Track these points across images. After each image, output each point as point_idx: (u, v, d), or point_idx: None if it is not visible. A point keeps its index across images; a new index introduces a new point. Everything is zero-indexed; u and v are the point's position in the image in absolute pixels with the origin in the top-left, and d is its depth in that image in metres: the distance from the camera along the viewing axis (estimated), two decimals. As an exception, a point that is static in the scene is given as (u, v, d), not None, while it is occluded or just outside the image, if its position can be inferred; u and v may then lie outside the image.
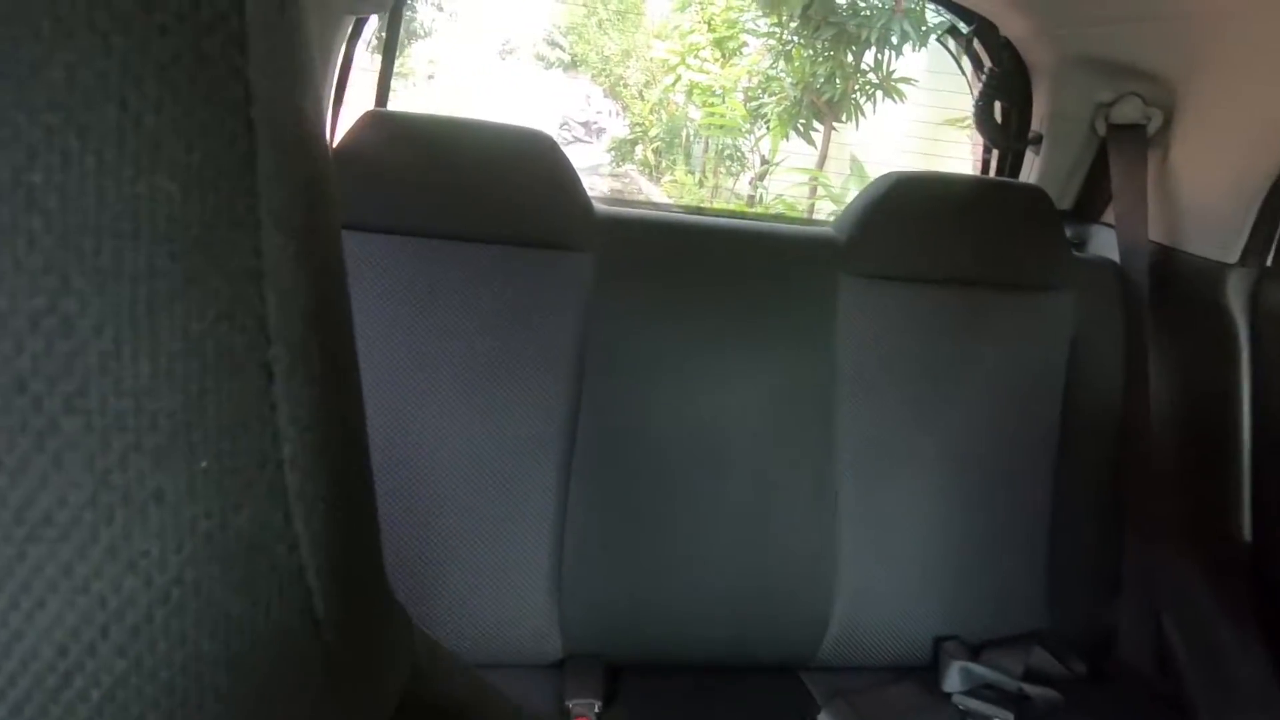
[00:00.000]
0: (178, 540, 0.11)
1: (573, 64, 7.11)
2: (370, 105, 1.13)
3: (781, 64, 4.51)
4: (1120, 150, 1.08)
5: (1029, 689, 0.93)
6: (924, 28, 3.98)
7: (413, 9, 5.93)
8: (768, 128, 4.66)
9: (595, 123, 6.77)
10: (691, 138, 5.65)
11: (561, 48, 7.23)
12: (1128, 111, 1.07)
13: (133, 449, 0.11)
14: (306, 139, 0.14)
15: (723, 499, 0.95)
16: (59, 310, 0.10)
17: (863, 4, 4.11)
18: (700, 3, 5.06)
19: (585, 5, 6.84)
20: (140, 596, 0.11)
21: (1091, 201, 1.20)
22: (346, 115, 1.12)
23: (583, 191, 0.95)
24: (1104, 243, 1.14)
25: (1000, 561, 1.01)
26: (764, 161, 4.96)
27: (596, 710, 0.85)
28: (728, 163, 5.29)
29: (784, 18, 4.28)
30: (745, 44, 4.94)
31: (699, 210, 2.19)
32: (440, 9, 6.56)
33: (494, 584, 0.89)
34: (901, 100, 4.27)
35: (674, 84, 5.18)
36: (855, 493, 0.98)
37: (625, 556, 0.93)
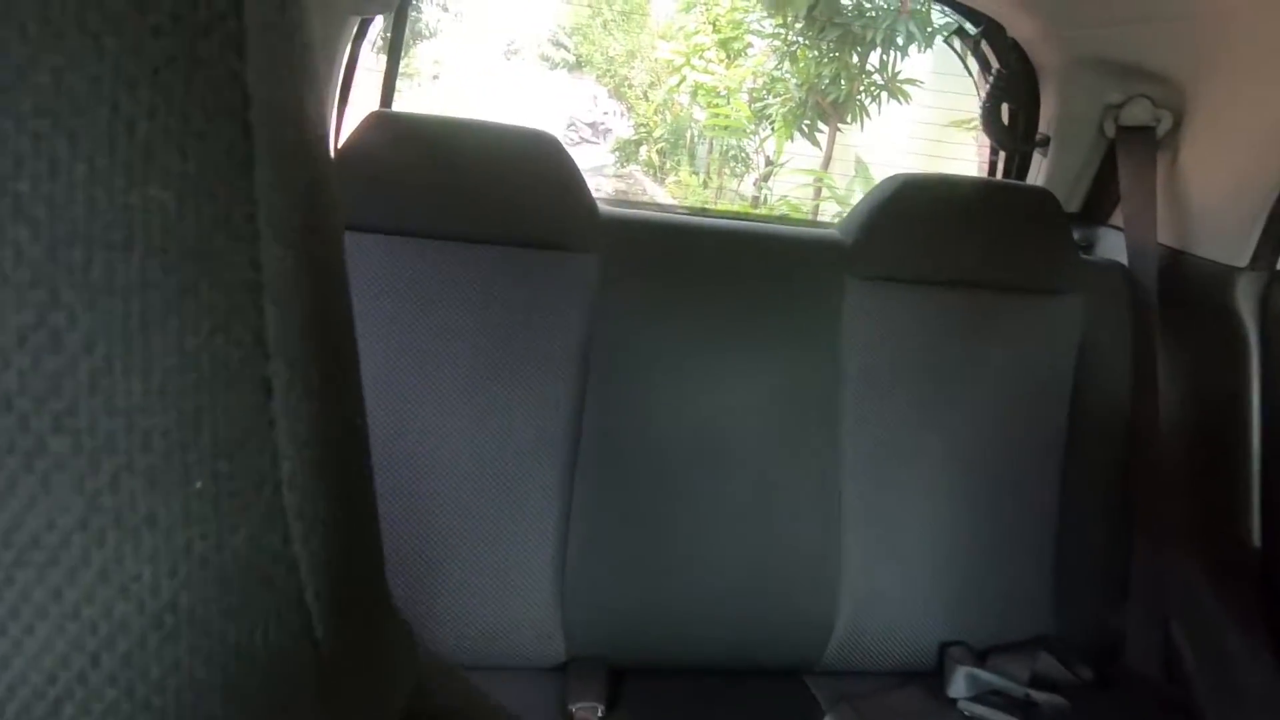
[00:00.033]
0: (171, 564, 0.11)
1: (577, 65, 7.11)
2: (375, 105, 1.13)
3: (786, 65, 4.51)
4: (1129, 152, 1.07)
5: (1035, 695, 0.93)
6: (929, 29, 3.97)
7: (418, 9, 5.93)
8: (772, 129, 4.65)
9: (602, 123, 6.76)
10: (696, 138, 5.65)
11: (566, 48, 7.23)
12: (1137, 113, 1.07)
13: (124, 470, 0.10)
14: (307, 144, 0.13)
15: (727, 501, 0.94)
16: (47, 325, 0.10)
17: (868, 5, 4.11)
18: (705, 4, 5.05)
19: (590, 6, 6.84)
20: (133, 622, 0.11)
21: (1099, 204, 1.20)
22: (351, 115, 1.12)
23: (587, 192, 0.94)
24: (1112, 245, 1.14)
25: (1006, 566, 1.01)
26: (768, 162, 4.95)
27: (600, 714, 0.85)
28: (732, 164, 5.28)
29: (789, 18, 4.27)
30: (750, 45, 4.93)
31: (703, 211, 2.18)
32: (445, 9, 6.56)
33: (496, 585, 0.89)
34: (906, 101, 4.26)
35: (679, 85, 5.17)
36: (860, 496, 0.97)
37: (629, 559, 0.92)
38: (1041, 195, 1.07)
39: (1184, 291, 1.01)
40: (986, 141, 1.33)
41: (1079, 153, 1.17)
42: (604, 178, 5.84)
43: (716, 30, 4.92)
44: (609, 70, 6.71)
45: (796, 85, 4.40)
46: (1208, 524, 0.99)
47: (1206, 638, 0.96)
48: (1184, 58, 1.00)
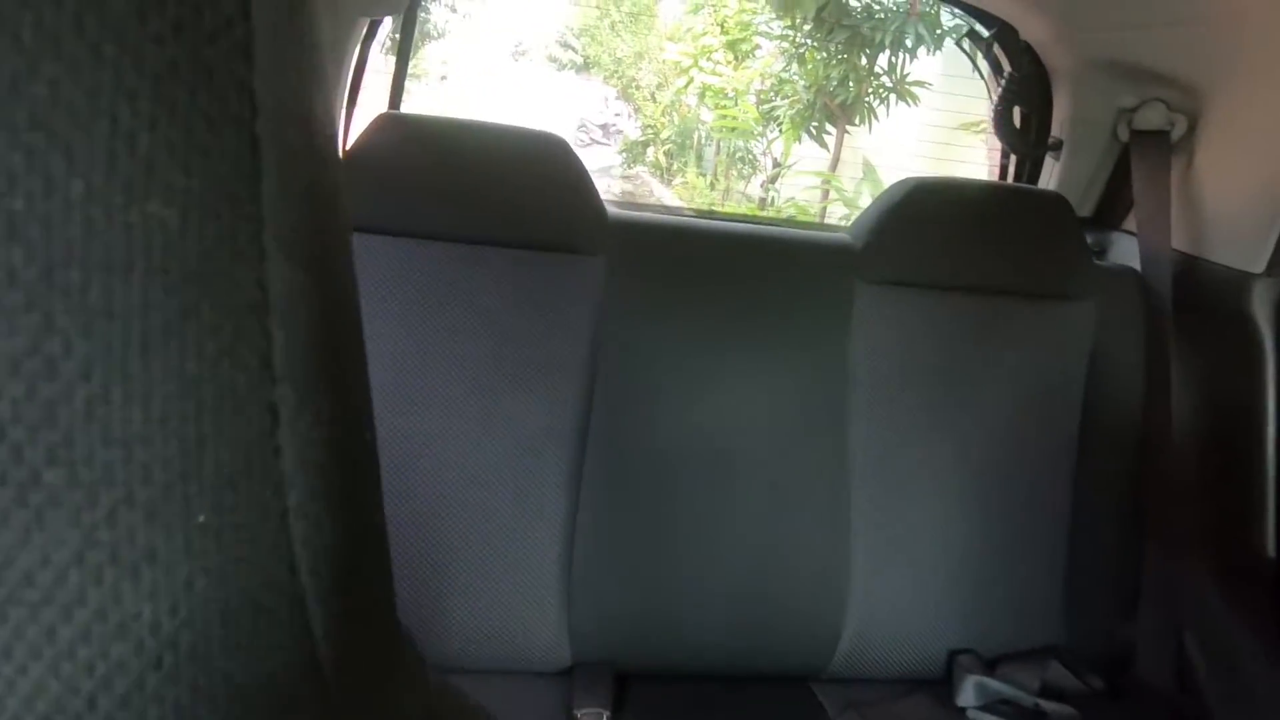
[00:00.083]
0: (172, 601, 0.10)
1: (585, 66, 7.12)
2: (384, 107, 1.13)
3: (794, 67, 4.50)
4: (1143, 156, 1.06)
5: (1045, 705, 0.92)
6: (939, 31, 3.95)
7: (426, 10, 5.94)
8: (780, 130, 4.65)
9: (613, 125, 6.76)
10: (703, 140, 5.64)
11: (574, 49, 7.23)
12: (1151, 117, 1.06)
13: (123, 503, 0.10)
14: (317, 154, 0.13)
15: (734, 506, 0.94)
16: (42, 352, 0.09)
17: (877, 7, 4.09)
18: (713, 5, 5.05)
19: (598, 7, 6.84)
20: (131, 663, 0.10)
21: (1112, 208, 1.18)
22: (360, 116, 1.12)
23: (596, 195, 0.94)
24: (1125, 250, 1.13)
25: (1017, 574, 1.00)
26: (776, 164, 4.95)
27: (605, 719, 0.84)
28: (739, 165, 5.28)
29: (797, 20, 4.26)
30: (758, 46, 4.92)
31: (711, 213, 2.18)
32: (453, 10, 6.58)
33: (502, 589, 0.88)
34: (915, 104, 4.24)
35: (686, 86, 5.17)
36: (869, 502, 0.96)
37: (635, 563, 0.92)
38: (1054, 199, 1.06)
39: (1198, 297, 1.00)
40: (996, 144, 1.32)
41: (1092, 157, 1.16)
42: (611, 178, 5.84)
43: (724, 32, 4.92)
44: (616, 71, 6.72)
45: (804, 87, 4.39)
46: (1221, 532, 0.98)
47: (1220, 648, 0.95)
48: (1199, 61, 0.99)
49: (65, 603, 0.10)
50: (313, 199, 0.12)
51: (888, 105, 4.25)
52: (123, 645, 0.10)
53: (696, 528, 0.93)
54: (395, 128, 0.91)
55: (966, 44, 1.30)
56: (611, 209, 0.96)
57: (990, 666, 0.96)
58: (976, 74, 1.35)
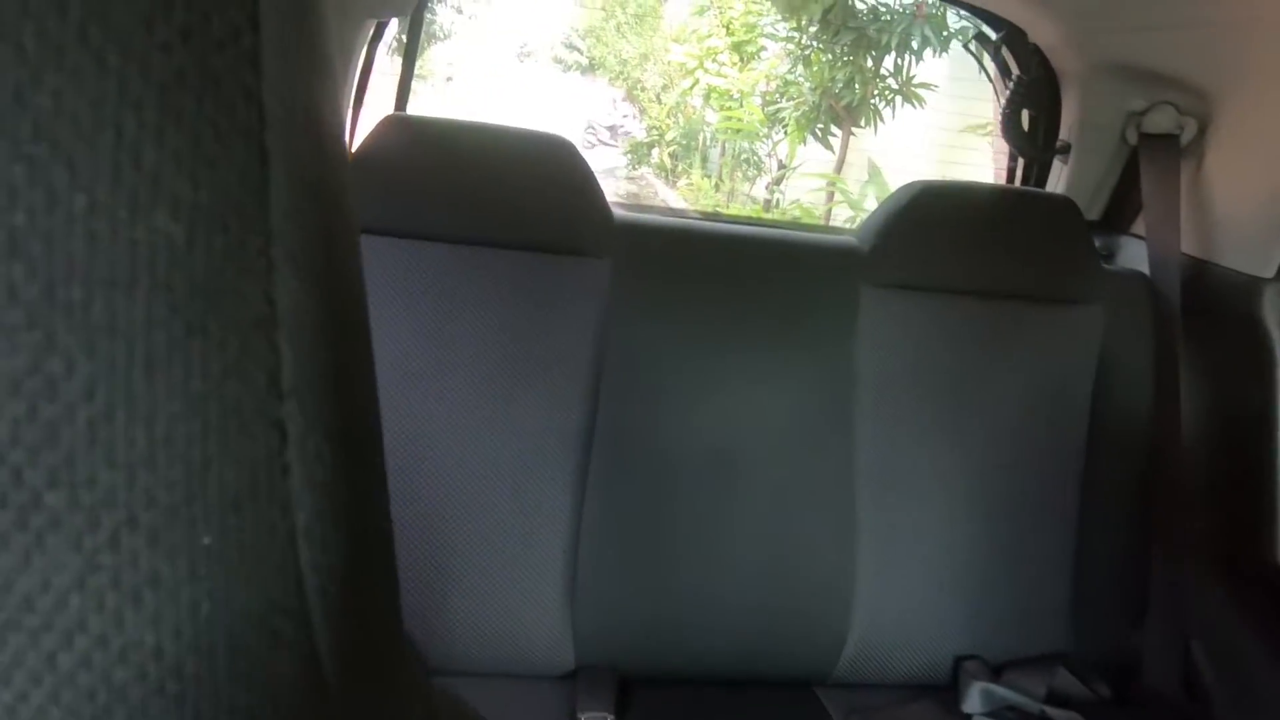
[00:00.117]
0: (175, 626, 0.10)
1: (590, 67, 7.13)
2: (390, 108, 1.13)
3: (800, 68, 4.49)
4: (1152, 160, 1.06)
5: (1051, 712, 0.91)
6: (945, 33, 3.95)
7: (432, 11, 5.96)
8: (785, 132, 4.64)
9: (621, 126, 6.77)
10: (708, 142, 5.64)
11: (579, 51, 7.24)
12: (1160, 121, 1.05)
13: (125, 527, 0.09)
14: (326, 164, 0.12)
15: (740, 510, 0.93)
16: (43, 371, 0.09)
17: (883, 9, 4.09)
18: (719, 7, 5.05)
19: (603, 9, 6.85)
20: (133, 690, 0.10)
21: (1120, 212, 1.18)
22: (366, 118, 1.12)
23: (602, 197, 0.94)
24: (1134, 255, 1.12)
25: (1024, 579, 0.99)
26: (781, 166, 4.94)
27: (608, 723, 0.84)
28: (744, 167, 5.28)
29: (803, 22, 4.26)
30: (764, 48, 4.92)
31: (716, 215, 2.17)
32: (459, 11, 6.59)
33: (507, 592, 0.88)
34: (921, 106, 4.24)
35: (691, 88, 5.17)
36: (875, 506, 0.96)
37: (640, 566, 0.91)
38: (1062, 203, 1.05)
39: (1207, 302, 1.00)
40: (1002, 147, 1.32)
41: (1101, 160, 1.16)
42: (615, 179, 5.84)
43: (730, 33, 4.92)
44: (622, 73, 6.72)
45: (810, 89, 4.39)
46: (1230, 539, 0.97)
47: (1227, 656, 0.94)
48: (1210, 65, 0.98)
49: (66, 628, 0.09)
50: (322, 210, 0.12)
51: (893, 107, 4.24)
52: (124, 671, 0.10)
53: (701, 531, 0.93)
54: (401, 130, 0.91)
55: (974, 46, 1.30)
56: (617, 211, 0.96)
57: (996, 673, 0.96)
58: (983, 76, 1.35)
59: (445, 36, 6.66)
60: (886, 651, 0.96)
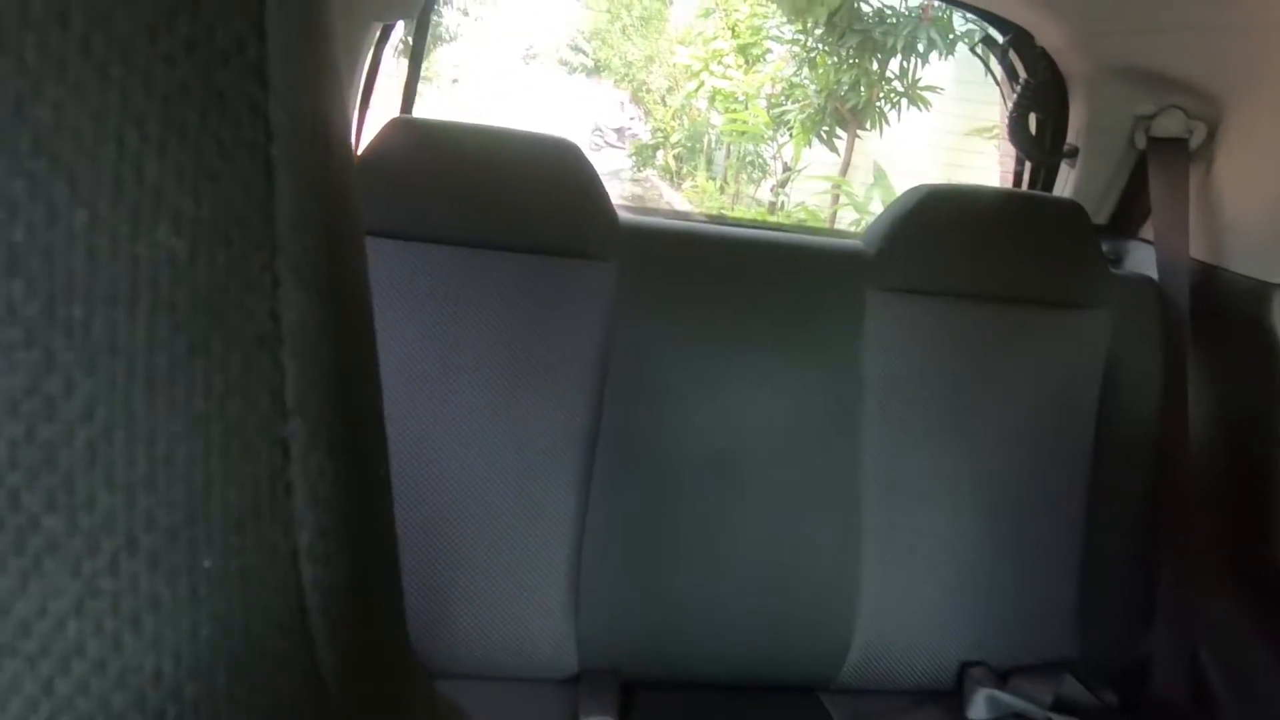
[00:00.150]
0: (175, 651, 0.10)
1: (596, 69, 7.13)
2: (396, 111, 1.13)
3: (805, 71, 4.49)
4: (1161, 164, 1.05)
5: (1058, 719, 0.91)
6: (951, 35, 3.94)
7: (438, 14, 5.97)
8: (790, 135, 4.64)
9: (628, 129, 6.77)
10: (713, 144, 5.65)
11: (585, 53, 7.24)
12: (1169, 125, 1.04)
13: (125, 550, 0.09)
14: (333, 173, 0.12)
15: (744, 514, 0.93)
16: (41, 391, 0.09)
17: (889, 11, 4.08)
18: (724, 9, 5.05)
19: (609, 11, 6.85)
20: (131, 715, 0.09)
21: (1128, 216, 1.17)
22: (372, 120, 1.12)
23: (607, 200, 0.94)
24: (1141, 259, 1.11)
25: (1030, 585, 0.99)
26: (786, 169, 4.94)
27: (612, 727, 0.84)
28: (749, 169, 5.28)
29: (809, 24, 4.25)
30: (769, 51, 4.92)
31: (721, 218, 2.17)
32: (465, 14, 6.60)
33: (510, 595, 0.88)
34: (927, 108, 4.23)
35: (697, 90, 5.17)
36: (880, 511, 0.95)
37: (644, 570, 0.91)
38: (1070, 207, 1.04)
39: (1216, 307, 0.99)
40: (1008, 150, 1.31)
41: (1108, 164, 1.15)
42: (620, 181, 5.85)
43: (735, 36, 4.92)
44: (627, 75, 6.73)
45: (815, 91, 4.39)
46: (1238, 545, 0.97)
47: (1236, 662, 0.93)
48: (1219, 68, 0.97)
49: (63, 654, 0.09)
50: (328, 216, 0.12)
51: (899, 110, 4.24)
52: (123, 697, 0.09)
53: (706, 535, 0.92)
54: (407, 132, 0.91)
55: (980, 49, 1.29)
56: (623, 214, 0.96)
57: (1002, 679, 0.95)
58: (989, 79, 1.34)
59: (451, 39, 6.67)
60: (891, 656, 0.96)
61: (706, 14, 5.33)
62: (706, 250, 0.96)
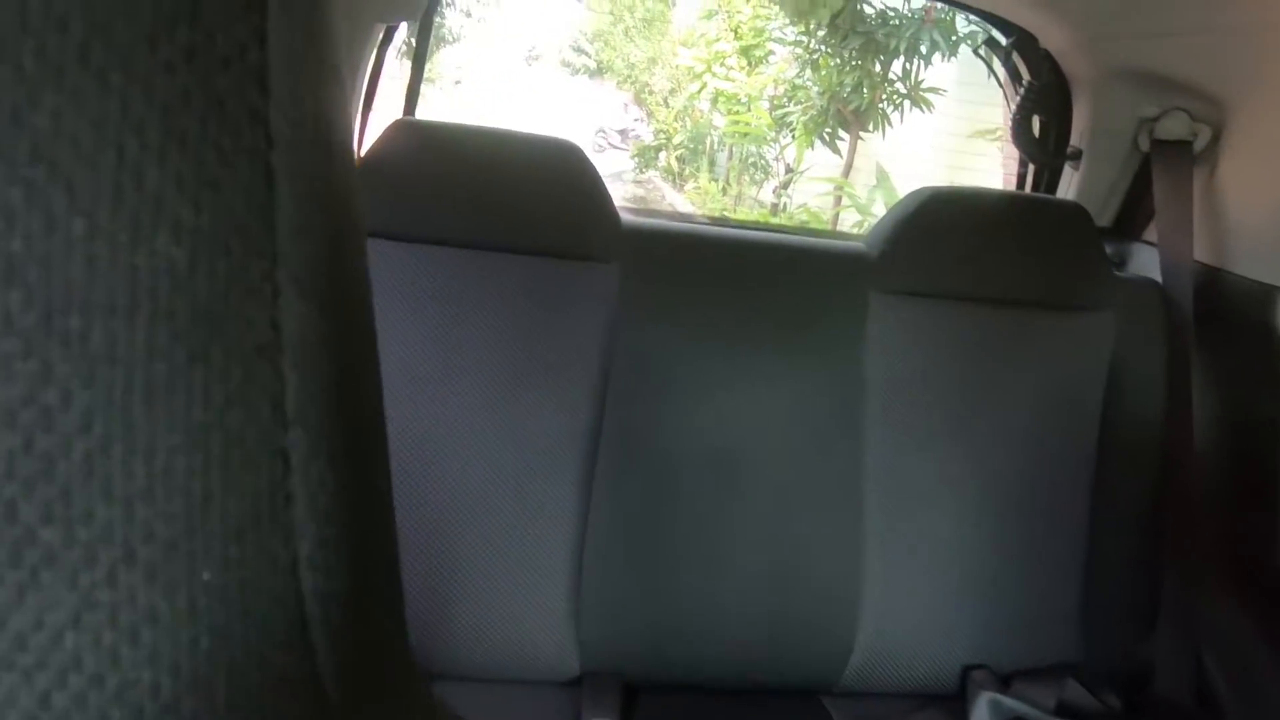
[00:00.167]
0: (173, 664, 0.10)
1: (598, 71, 7.14)
2: (398, 112, 1.13)
3: (808, 73, 4.49)
4: (1165, 167, 1.05)
5: (1061, 724, 0.90)
6: (954, 37, 3.94)
7: (441, 15, 5.98)
8: (793, 136, 4.64)
9: (632, 130, 6.78)
10: (716, 145, 5.65)
11: (587, 54, 7.25)
12: (1173, 127, 1.04)
13: (122, 563, 0.09)
14: (335, 179, 0.12)
15: (746, 516, 0.93)
16: (39, 402, 0.09)
17: (891, 13, 4.08)
18: (727, 11, 5.05)
19: (612, 13, 6.86)
20: None
21: (1132, 219, 1.17)
22: (375, 122, 1.12)
23: (610, 202, 0.94)
24: (1145, 262, 1.11)
25: (1033, 588, 0.98)
26: (788, 170, 4.94)
27: (614, 730, 0.84)
28: (752, 171, 5.28)
29: (811, 26, 4.25)
30: (772, 52, 4.92)
31: (724, 220, 2.17)
32: (468, 15, 6.61)
33: (512, 597, 0.88)
34: (929, 110, 4.23)
35: (699, 91, 5.17)
36: (882, 514, 0.95)
37: (646, 572, 0.91)
38: (1073, 209, 1.04)
39: (1220, 309, 0.99)
40: (1011, 152, 1.31)
41: (1112, 167, 1.15)
42: (622, 183, 5.85)
43: (738, 38, 4.92)
44: (630, 76, 6.73)
45: (818, 93, 4.39)
46: (1242, 548, 0.96)
47: (1241, 666, 0.93)
48: (1224, 71, 0.97)
49: (60, 667, 0.09)
50: (329, 227, 0.12)
51: (902, 112, 4.23)
52: (121, 711, 0.09)
53: (708, 537, 0.92)
54: (410, 134, 0.91)
55: (984, 51, 1.29)
56: (625, 216, 0.96)
57: (1005, 683, 0.95)
58: (992, 81, 1.34)
59: (454, 40, 6.68)
60: (894, 660, 0.95)
61: (709, 16, 5.33)
62: (709, 252, 0.96)
